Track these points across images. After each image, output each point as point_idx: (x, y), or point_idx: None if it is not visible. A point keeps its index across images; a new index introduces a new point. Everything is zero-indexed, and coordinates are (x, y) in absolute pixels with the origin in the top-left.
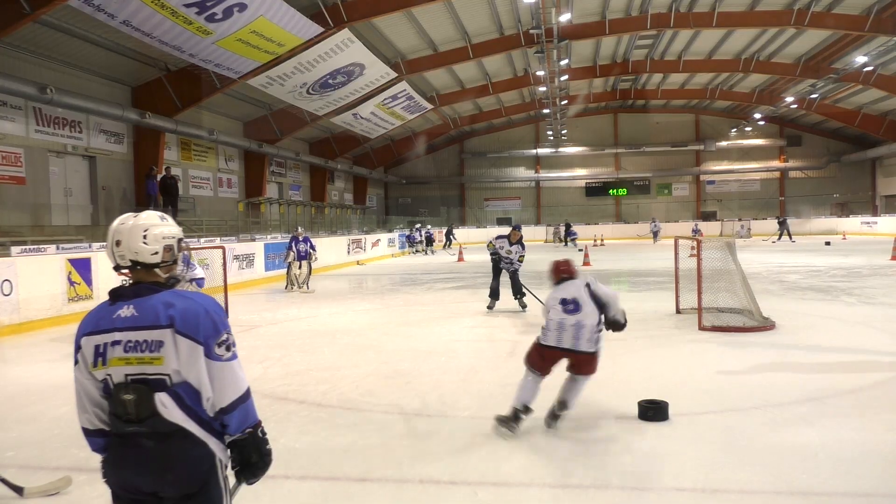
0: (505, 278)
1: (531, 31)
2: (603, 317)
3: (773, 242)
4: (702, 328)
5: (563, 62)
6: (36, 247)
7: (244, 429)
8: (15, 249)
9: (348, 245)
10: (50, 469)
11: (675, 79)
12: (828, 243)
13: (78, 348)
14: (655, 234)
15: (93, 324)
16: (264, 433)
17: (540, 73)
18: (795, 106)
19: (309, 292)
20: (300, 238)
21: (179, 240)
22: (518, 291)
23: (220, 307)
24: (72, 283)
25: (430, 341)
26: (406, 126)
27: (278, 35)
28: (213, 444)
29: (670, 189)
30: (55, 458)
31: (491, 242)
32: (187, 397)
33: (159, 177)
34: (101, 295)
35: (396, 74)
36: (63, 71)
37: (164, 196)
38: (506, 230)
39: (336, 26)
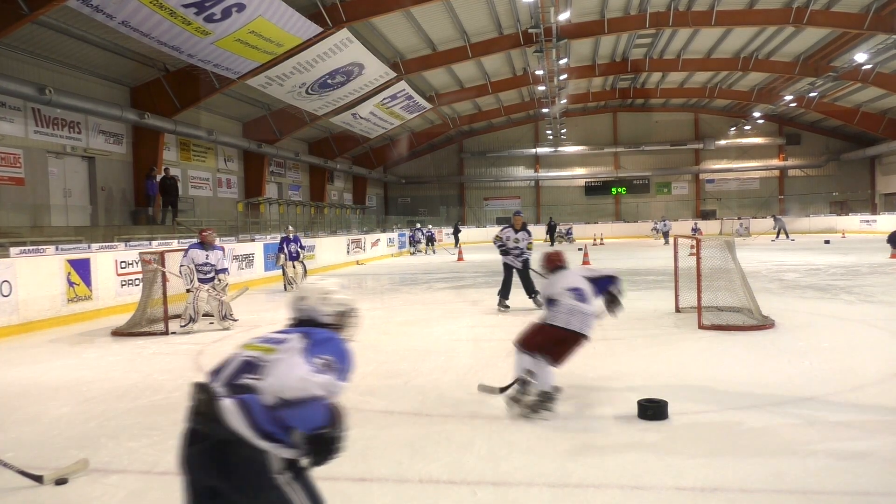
0: (516, 278)
1: (530, 31)
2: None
3: (773, 241)
4: (701, 327)
5: (562, 61)
6: (35, 247)
7: (309, 429)
8: (14, 250)
9: (348, 245)
10: (50, 470)
11: (674, 77)
12: (827, 241)
13: None
14: (665, 234)
15: None
16: (337, 434)
17: (539, 72)
18: (794, 104)
19: None
20: (290, 238)
21: (351, 309)
22: (531, 290)
23: (352, 358)
24: (71, 283)
25: (429, 341)
26: (405, 126)
27: (277, 35)
28: (274, 451)
29: (670, 188)
30: (55, 458)
31: (497, 235)
32: (255, 409)
33: (159, 177)
34: (100, 295)
35: (395, 74)
36: (61, 71)
37: (164, 196)
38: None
39: (335, 26)
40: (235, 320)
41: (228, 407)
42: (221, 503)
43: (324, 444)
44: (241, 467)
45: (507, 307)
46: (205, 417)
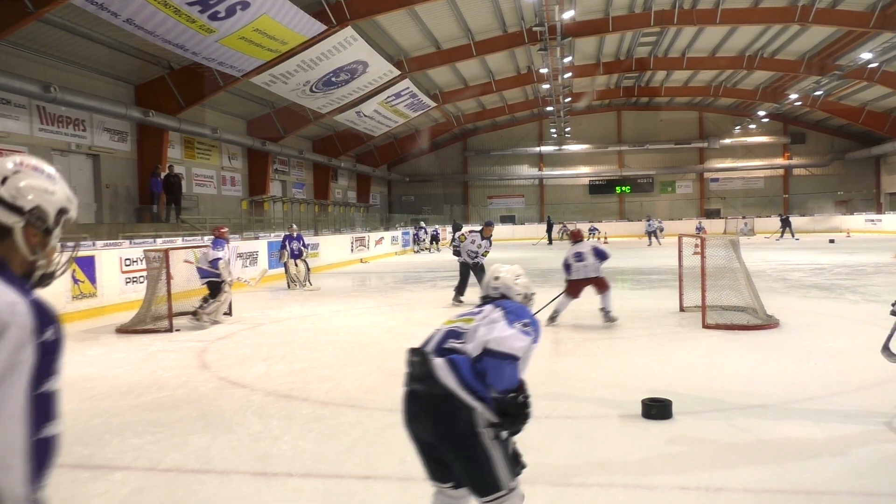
0: (473, 279)
1: (534, 29)
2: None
3: (777, 240)
4: (705, 326)
5: (567, 59)
6: None
7: (503, 390)
8: None
9: (352, 243)
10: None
11: (679, 76)
12: (832, 241)
13: None
14: (651, 235)
15: None
16: (526, 398)
17: (543, 70)
18: (800, 103)
19: (314, 289)
20: (294, 236)
21: (533, 293)
22: None
23: (538, 322)
24: (76, 281)
25: None
26: (409, 124)
27: (281, 33)
28: (480, 409)
29: (674, 187)
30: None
31: (463, 235)
32: (462, 367)
33: (163, 175)
34: (105, 293)
35: (399, 72)
36: (66, 69)
37: (168, 194)
38: (507, 228)
39: (339, 24)
40: (228, 314)
41: (440, 365)
42: (437, 455)
43: (515, 408)
44: (450, 420)
45: (462, 302)
46: (419, 377)
